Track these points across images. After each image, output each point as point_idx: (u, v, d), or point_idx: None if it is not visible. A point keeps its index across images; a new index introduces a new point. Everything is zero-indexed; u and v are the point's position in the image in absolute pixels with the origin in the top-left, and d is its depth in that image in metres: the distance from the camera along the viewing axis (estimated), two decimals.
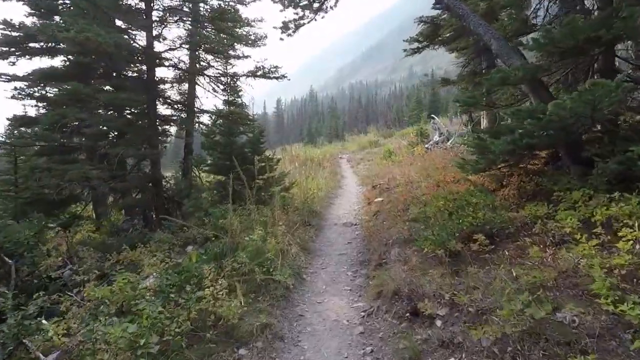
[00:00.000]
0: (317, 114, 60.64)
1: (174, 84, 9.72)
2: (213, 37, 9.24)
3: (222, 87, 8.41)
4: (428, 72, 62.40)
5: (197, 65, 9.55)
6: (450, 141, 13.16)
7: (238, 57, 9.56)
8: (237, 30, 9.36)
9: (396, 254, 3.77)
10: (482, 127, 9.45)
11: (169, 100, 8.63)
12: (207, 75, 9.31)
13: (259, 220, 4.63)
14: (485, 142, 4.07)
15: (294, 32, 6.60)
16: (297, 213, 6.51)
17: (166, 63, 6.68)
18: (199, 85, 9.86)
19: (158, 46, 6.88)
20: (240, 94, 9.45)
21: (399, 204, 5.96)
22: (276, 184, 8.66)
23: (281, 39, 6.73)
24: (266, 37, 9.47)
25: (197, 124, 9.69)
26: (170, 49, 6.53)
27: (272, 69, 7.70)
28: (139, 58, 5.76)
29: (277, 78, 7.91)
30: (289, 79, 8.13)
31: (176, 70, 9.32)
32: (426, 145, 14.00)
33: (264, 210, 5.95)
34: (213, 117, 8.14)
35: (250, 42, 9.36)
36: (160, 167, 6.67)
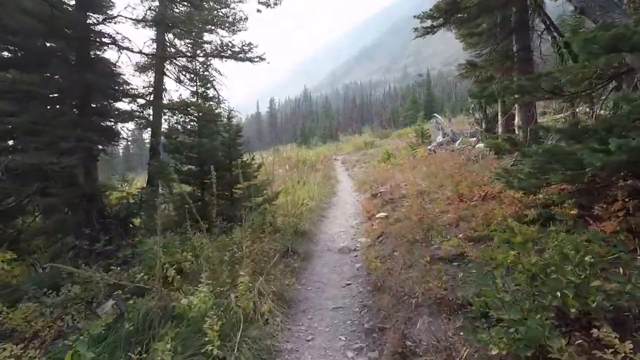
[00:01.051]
0: (311, 114, 59.18)
1: (138, 72, 8.13)
2: (183, 17, 7.69)
3: (189, 76, 6.86)
4: (422, 72, 61.44)
5: (166, 51, 7.98)
6: (457, 142, 11.82)
7: (210, 43, 8.01)
8: (214, 12, 7.82)
9: (426, 329, 2.30)
10: (499, 126, 8.07)
11: (128, 92, 7.02)
12: (175, 63, 7.75)
13: (215, 260, 3.12)
14: (553, 148, 2.63)
15: (275, 2, 5.10)
16: (278, 236, 5.00)
17: (106, 40, 5.10)
18: (167, 76, 8.28)
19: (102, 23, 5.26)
20: (213, 83, 7.91)
21: (413, 225, 4.50)
22: (258, 194, 7.16)
23: (259, 10, 5.24)
24: (246, 19, 7.94)
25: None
26: (108, 19, 4.92)
27: (244, 48, 6.14)
28: (63, 31, 4.20)
29: (250, 60, 6.38)
30: (268, 62, 6.62)
31: (142, 56, 7.75)
32: (429, 147, 12.65)
33: (231, 237, 4.43)
34: (175, 113, 6.58)
35: (227, 24, 7.82)
36: (98, 176, 5.08)
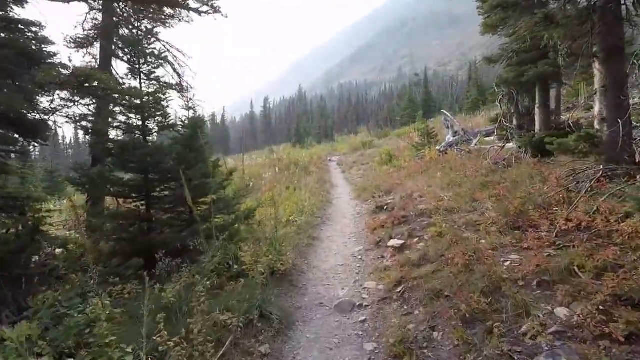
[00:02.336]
0: (306, 113, 57.35)
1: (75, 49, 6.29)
2: None
3: (128, 50, 5.05)
4: (418, 72, 60.01)
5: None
6: (474, 142, 10.18)
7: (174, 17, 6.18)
8: None
9: None
10: (538, 120, 6.40)
11: (57, 80, 5.17)
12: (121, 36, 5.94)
13: None
14: None
15: None
16: (243, 285, 3.23)
17: None
18: (118, 57, 6.43)
19: None
20: (174, 67, 6.14)
21: (458, 275, 2.78)
22: (229, 210, 5.40)
23: None
24: None
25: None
26: None
27: None
28: None
29: (197, 10, 4.57)
30: (226, 16, 4.83)
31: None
32: (438, 148, 11.00)
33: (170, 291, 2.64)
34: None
35: None
36: None
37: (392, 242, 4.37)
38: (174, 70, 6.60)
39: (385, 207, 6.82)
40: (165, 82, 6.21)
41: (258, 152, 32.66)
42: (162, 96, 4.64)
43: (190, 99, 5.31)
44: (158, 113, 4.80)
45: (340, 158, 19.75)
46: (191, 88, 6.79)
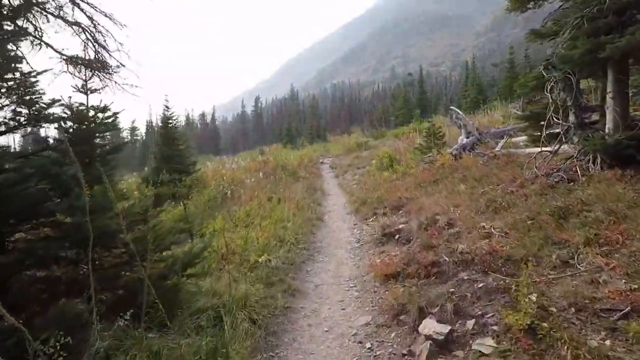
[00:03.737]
0: (298, 113, 55.31)
1: None
2: None
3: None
4: (412, 72, 58.53)
5: None
6: (500, 145, 8.36)
7: None
8: None
9: None
10: (612, 115, 4.56)
11: None
12: None
13: None
14: None
15: None
16: None
17: None
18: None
19: None
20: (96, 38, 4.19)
21: None
22: (162, 254, 3.41)
23: None
24: None
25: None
26: None
27: None
28: None
29: None
30: None
31: None
32: (449, 151, 9.18)
33: None
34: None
35: None
36: None
37: (427, 328, 2.42)
38: (92, 38, 4.52)
39: (396, 236, 4.90)
40: (77, 56, 4.16)
41: (248, 152, 30.70)
42: (16, 64, 2.61)
43: (91, 76, 3.28)
44: (26, 98, 2.78)
45: (333, 160, 17.94)
46: (121, 67, 4.71)
